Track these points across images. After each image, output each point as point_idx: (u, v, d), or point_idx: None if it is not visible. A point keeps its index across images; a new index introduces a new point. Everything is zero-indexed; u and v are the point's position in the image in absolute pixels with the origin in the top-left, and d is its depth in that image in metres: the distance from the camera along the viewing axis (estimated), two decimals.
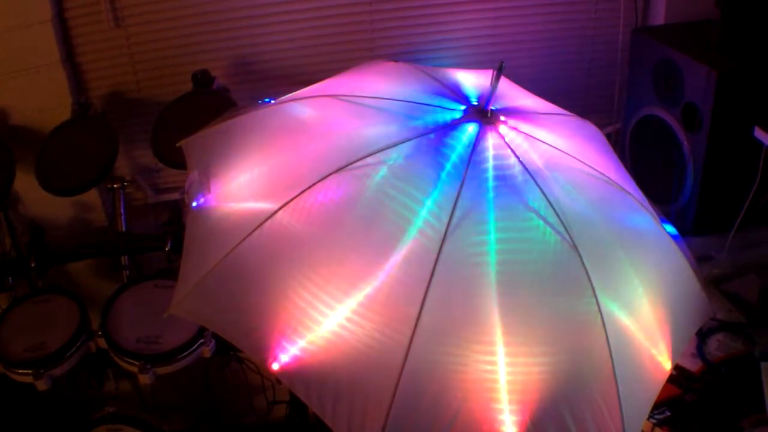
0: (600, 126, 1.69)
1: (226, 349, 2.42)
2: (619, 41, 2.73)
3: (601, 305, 1.33)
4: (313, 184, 1.36)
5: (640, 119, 2.49)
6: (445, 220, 1.30)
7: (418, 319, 1.26)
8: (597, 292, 1.32)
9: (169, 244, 2.35)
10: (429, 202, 1.33)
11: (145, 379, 2.12)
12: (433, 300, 1.27)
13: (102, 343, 2.20)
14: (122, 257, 2.57)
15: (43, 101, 2.52)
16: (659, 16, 2.65)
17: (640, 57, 2.47)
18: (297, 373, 1.34)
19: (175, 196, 2.79)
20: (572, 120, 1.64)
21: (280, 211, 1.37)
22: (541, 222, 1.33)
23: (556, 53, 2.81)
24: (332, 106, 1.54)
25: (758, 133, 1.98)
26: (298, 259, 1.38)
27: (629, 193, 1.50)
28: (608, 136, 2.66)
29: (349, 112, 1.51)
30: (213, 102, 2.38)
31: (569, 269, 1.33)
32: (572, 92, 2.84)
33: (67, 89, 2.53)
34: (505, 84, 1.57)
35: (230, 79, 2.62)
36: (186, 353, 2.16)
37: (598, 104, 2.87)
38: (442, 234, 1.29)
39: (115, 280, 2.56)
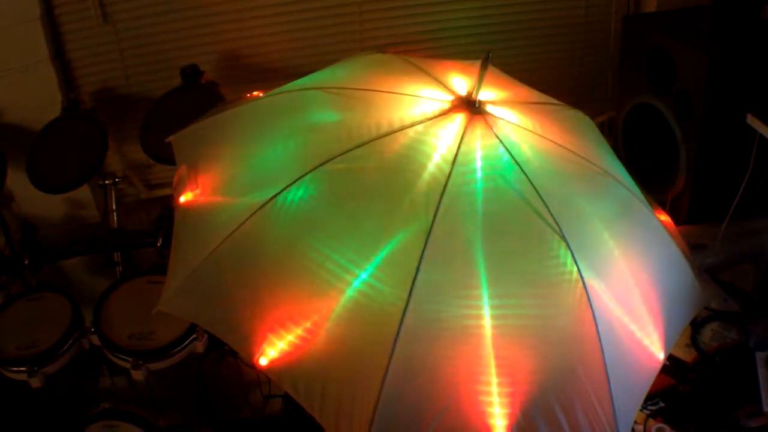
0: (592, 115, 1.68)
1: (221, 344, 2.41)
2: (611, 30, 2.72)
3: (590, 295, 1.32)
4: (300, 177, 1.36)
5: (633, 108, 2.47)
6: (432, 211, 1.29)
7: (404, 311, 1.25)
8: (587, 282, 1.32)
9: (161, 240, 2.34)
10: (416, 194, 1.32)
11: (138, 375, 2.12)
12: (420, 292, 1.26)
13: (95, 339, 2.19)
14: (115, 253, 2.56)
15: (33, 99, 2.51)
16: (651, 3, 2.64)
17: (631, 45, 2.45)
18: (284, 368, 1.33)
19: (168, 191, 2.78)
20: (562, 110, 1.62)
21: (267, 205, 1.37)
22: (530, 212, 1.32)
23: (547, 42, 2.80)
24: (320, 99, 1.53)
25: (751, 120, 1.96)
26: (285, 252, 1.37)
27: (621, 183, 1.50)
28: (601, 126, 2.65)
29: (338, 105, 1.50)
30: (202, 97, 2.37)
31: (558, 260, 1.32)
32: (564, 81, 2.83)
33: (57, 86, 2.52)
34: (494, 74, 1.56)
35: (219, 74, 2.61)
36: (178, 349, 2.16)
37: (591, 93, 2.86)
38: (429, 225, 1.28)
39: (108, 276, 2.55)
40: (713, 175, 2.20)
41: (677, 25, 2.28)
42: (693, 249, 1.65)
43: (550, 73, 2.81)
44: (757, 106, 1.98)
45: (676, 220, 2.11)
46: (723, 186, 2.16)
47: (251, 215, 1.38)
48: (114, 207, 2.61)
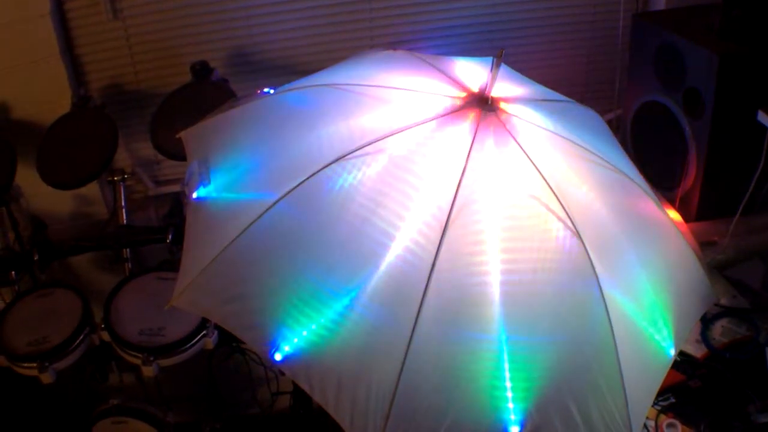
0: (600, 113, 1.68)
1: (229, 341, 2.41)
2: (620, 27, 2.71)
3: (604, 291, 1.32)
4: (314, 174, 1.36)
5: (642, 105, 2.47)
6: (446, 208, 1.29)
7: (420, 307, 1.26)
8: (600, 278, 1.32)
9: (170, 236, 2.35)
10: (430, 190, 1.32)
11: (148, 372, 2.12)
12: (435, 288, 1.27)
13: (105, 336, 2.20)
14: (124, 250, 2.56)
15: (43, 94, 2.51)
16: (660, 1, 2.63)
17: (641, 42, 2.45)
18: (299, 364, 1.34)
19: (176, 187, 2.78)
20: (573, 106, 1.63)
21: (281, 201, 1.37)
22: (543, 209, 1.32)
23: (556, 40, 2.79)
24: (332, 95, 1.53)
25: (762, 117, 1.96)
26: (299, 248, 1.38)
27: (632, 179, 1.50)
28: (609, 123, 2.65)
29: (349, 101, 1.50)
30: (212, 93, 2.37)
31: (571, 255, 1.32)
32: (572, 79, 2.83)
33: (67, 82, 2.52)
34: (505, 71, 1.56)
35: (229, 70, 2.61)
36: (189, 345, 2.16)
37: (599, 91, 2.85)
38: (444, 222, 1.28)
39: (117, 273, 2.56)
40: (723, 172, 2.19)
41: (687, 23, 2.27)
42: (702, 246, 1.65)
43: (558, 71, 2.81)
44: (766, 104, 1.98)
45: (686, 218, 2.11)
46: (732, 183, 2.16)
47: (265, 211, 1.38)
48: (123, 203, 2.61)
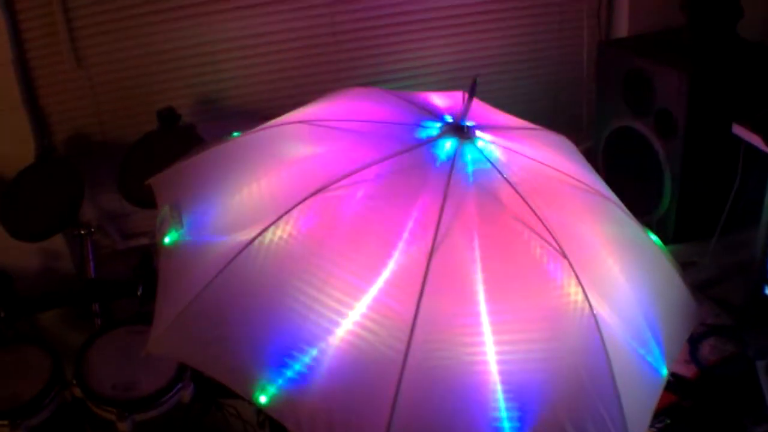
0: None
1: (206, 395, 2.35)
2: (584, 60, 2.74)
3: (594, 312, 1.30)
4: (290, 210, 1.33)
5: (613, 132, 2.49)
6: (429, 238, 1.26)
7: (409, 341, 1.22)
8: (589, 298, 1.30)
9: (140, 290, 2.30)
10: (410, 222, 1.29)
11: (123, 427, 2.06)
12: (424, 315, 1.23)
13: (77, 392, 2.13)
14: (93, 305, 2.50)
15: (5, 146, 2.46)
16: (622, 29, 2.67)
17: (607, 70, 2.48)
18: (286, 405, 1.28)
19: (144, 241, 2.73)
20: (545, 133, 1.63)
21: (257, 240, 1.33)
22: (527, 232, 1.31)
23: (522, 76, 2.82)
24: (303, 132, 1.51)
25: (737, 129, 1.96)
26: (279, 287, 1.33)
27: (614, 203, 1.50)
28: None
29: (321, 136, 1.48)
30: (180, 139, 2.35)
31: (559, 277, 1.30)
32: (539, 113, 2.82)
33: (30, 133, 2.47)
34: (476, 103, 1.56)
35: (196, 117, 2.59)
36: (165, 398, 2.10)
37: (566, 124, 2.86)
38: (428, 252, 1.26)
39: (86, 328, 2.49)
40: (699, 192, 2.21)
41: (652, 47, 2.31)
42: (682, 267, 1.65)
43: (525, 106, 2.81)
44: (741, 116, 1.99)
45: (664, 240, 2.11)
46: (709, 201, 2.17)
47: (241, 250, 1.34)
48: (90, 257, 2.55)
